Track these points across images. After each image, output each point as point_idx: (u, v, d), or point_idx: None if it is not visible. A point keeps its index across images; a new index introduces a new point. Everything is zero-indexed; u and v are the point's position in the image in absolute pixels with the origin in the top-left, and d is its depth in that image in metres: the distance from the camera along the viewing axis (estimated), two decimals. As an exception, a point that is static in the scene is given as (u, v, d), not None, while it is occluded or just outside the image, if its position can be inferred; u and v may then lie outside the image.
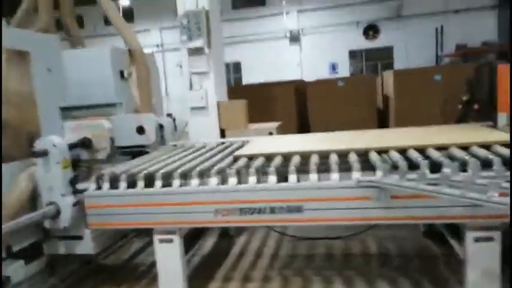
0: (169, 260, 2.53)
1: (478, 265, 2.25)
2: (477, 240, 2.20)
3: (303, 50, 16.00)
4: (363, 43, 15.86)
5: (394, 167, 2.20)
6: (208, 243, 3.66)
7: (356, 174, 2.27)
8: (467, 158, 2.17)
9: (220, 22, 5.14)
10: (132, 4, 16.83)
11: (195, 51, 4.52)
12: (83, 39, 4.21)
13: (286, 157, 2.66)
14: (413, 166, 2.19)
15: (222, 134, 4.76)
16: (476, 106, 4.35)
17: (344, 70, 15.97)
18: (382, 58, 15.80)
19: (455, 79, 5.98)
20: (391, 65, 15.67)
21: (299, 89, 8.04)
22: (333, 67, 15.99)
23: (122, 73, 3.74)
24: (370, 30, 15.66)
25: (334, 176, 2.29)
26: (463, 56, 15.00)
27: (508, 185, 1.74)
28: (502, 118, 3.41)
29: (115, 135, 3.66)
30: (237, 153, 2.84)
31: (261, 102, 7.61)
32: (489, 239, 2.19)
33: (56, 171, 2.51)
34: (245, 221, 2.40)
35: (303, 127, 7.80)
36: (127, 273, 3.14)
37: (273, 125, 4.78)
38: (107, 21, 16.33)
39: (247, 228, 3.84)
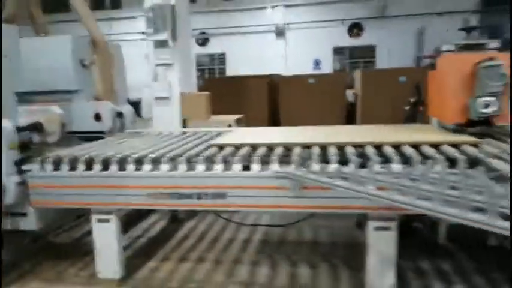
0: (105, 239, 2.75)
1: (377, 251, 2.51)
2: (377, 229, 2.46)
3: (288, 44, 16.15)
4: (347, 40, 16.07)
5: (326, 162, 2.43)
6: (157, 226, 3.89)
7: (275, 167, 2.51)
8: (372, 155, 2.42)
9: (189, 15, 5.29)
10: (119, -10, 16.78)
11: (161, 44, 4.68)
12: (47, 27, 4.36)
13: (237, 147, 2.86)
14: (344, 161, 2.42)
15: (185, 123, 4.96)
16: (421, 108, 4.62)
17: (327, 66, 16.19)
18: (365, 56, 16.05)
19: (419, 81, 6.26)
20: (373, 63, 15.94)
21: (273, 83, 8.26)
22: (317, 63, 16.20)
23: (82, 61, 3.91)
24: (355, 28, 15.87)
25: (256, 167, 2.52)
26: (442, 58, 15.30)
27: (382, 177, 1.99)
28: (434, 121, 3.67)
29: (73, 121, 3.88)
30: (212, 142, 3.02)
31: (235, 94, 7.83)
32: (387, 229, 2.45)
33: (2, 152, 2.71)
34: (175, 205, 2.63)
35: (275, 120, 8.05)
36: (73, 251, 3.36)
37: (233, 117, 4.99)
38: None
39: (197, 213, 4.07)
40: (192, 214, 4.07)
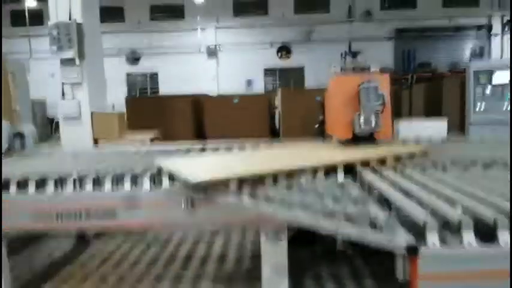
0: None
1: (270, 261, 2.61)
2: (268, 240, 2.57)
3: (220, 64, 16.44)
4: (277, 62, 16.73)
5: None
6: (63, 247, 3.72)
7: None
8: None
9: (100, 34, 5.23)
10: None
11: (67, 62, 4.56)
12: None
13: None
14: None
15: (96, 143, 4.83)
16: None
17: (259, 86, 16.68)
18: (294, 76, 16.79)
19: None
20: (303, 83, 16.71)
21: (199, 103, 8.33)
22: (249, 83, 16.62)
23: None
24: (283, 51, 16.59)
25: (147, 185, 2.53)
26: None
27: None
28: (334, 138, 3.94)
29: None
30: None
31: (160, 113, 7.78)
32: (278, 239, 2.57)
33: None
34: (62, 226, 2.54)
35: (200, 139, 8.09)
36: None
37: (147, 136, 4.95)
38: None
39: (106, 233, 3.95)
40: (101, 234, 3.93)
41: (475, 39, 16.32)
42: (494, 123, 4.99)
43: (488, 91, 5.40)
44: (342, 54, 15.43)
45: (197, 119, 8.14)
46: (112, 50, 16.02)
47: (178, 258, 3.44)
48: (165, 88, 16.06)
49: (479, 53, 15.94)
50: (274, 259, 2.62)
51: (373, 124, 3.09)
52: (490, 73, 5.36)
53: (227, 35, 16.20)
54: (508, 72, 5.11)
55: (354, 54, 4.10)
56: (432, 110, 7.77)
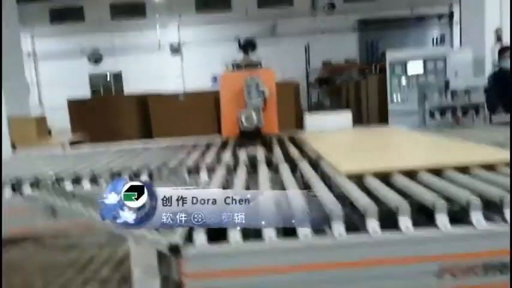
0: None
1: (139, 263, 2.62)
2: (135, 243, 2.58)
3: (185, 61, 16.34)
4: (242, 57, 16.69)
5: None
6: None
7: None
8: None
9: (19, 35, 5.13)
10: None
11: (-21, 66, 4.48)
12: None
13: None
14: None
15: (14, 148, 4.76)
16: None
17: (226, 82, 16.63)
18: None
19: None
20: (269, 79, 16.72)
21: (146, 101, 8.28)
22: (215, 79, 16.55)
23: None
24: (249, 46, 16.55)
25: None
26: (330, 72, 16.60)
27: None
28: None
29: None
30: None
31: (104, 114, 7.71)
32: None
33: None
34: None
35: (147, 134, 8.04)
36: None
37: (68, 139, 4.91)
38: None
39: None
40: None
41: (437, 28, 16.52)
42: (411, 113, 5.07)
43: (403, 82, 5.47)
44: (305, 47, 15.48)
45: (144, 118, 8.09)
46: (74, 51, 15.83)
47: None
48: (131, 87, 15.89)
49: (442, 41, 16.16)
50: (143, 261, 2.63)
51: (254, 120, 3.11)
52: (404, 64, 5.43)
53: (190, 31, 16.09)
54: (421, 62, 5.19)
55: (246, 51, 4.10)
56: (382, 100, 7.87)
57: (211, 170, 2.42)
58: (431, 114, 3.95)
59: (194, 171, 2.51)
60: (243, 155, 2.89)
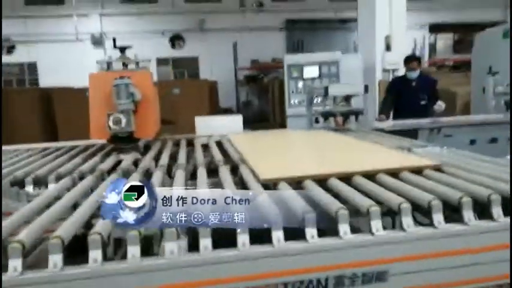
0: None
1: None
2: None
3: (107, 54, 15.56)
4: (170, 51, 16.34)
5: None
6: None
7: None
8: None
9: None
10: None
11: None
12: None
13: None
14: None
15: None
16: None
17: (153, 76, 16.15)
18: (188, 67, 16.55)
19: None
20: (198, 74, 16.55)
21: (48, 96, 7.76)
22: (139, 74, 16.01)
23: None
24: (177, 40, 16.24)
25: None
26: (258, 70, 16.81)
27: None
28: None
29: None
30: None
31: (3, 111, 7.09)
32: None
33: None
34: None
35: (52, 134, 7.55)
36: None
37: None
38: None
39: None
40: None
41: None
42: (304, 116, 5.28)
43: (300, 85, 5.71)
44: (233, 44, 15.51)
45: (49, 116, 7.58)
46: (-19, 37, 14.38)
47: None
48: (48, 80, 14.81)
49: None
50: None
51: (123, 124, 3.02)
52: (301, 67, 5.66)
53: (114, 22, 15.36)
54: (316, 68, 5.44)
55: (122, 49, 4.01)
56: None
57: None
58: (316, 119, 4.12)
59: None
60: (109, 161, 2.80)
